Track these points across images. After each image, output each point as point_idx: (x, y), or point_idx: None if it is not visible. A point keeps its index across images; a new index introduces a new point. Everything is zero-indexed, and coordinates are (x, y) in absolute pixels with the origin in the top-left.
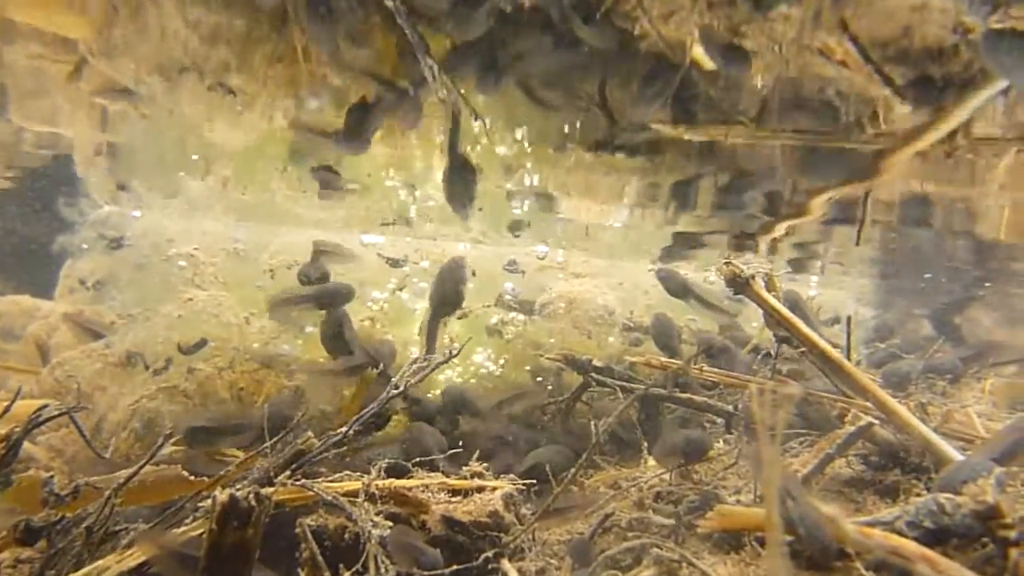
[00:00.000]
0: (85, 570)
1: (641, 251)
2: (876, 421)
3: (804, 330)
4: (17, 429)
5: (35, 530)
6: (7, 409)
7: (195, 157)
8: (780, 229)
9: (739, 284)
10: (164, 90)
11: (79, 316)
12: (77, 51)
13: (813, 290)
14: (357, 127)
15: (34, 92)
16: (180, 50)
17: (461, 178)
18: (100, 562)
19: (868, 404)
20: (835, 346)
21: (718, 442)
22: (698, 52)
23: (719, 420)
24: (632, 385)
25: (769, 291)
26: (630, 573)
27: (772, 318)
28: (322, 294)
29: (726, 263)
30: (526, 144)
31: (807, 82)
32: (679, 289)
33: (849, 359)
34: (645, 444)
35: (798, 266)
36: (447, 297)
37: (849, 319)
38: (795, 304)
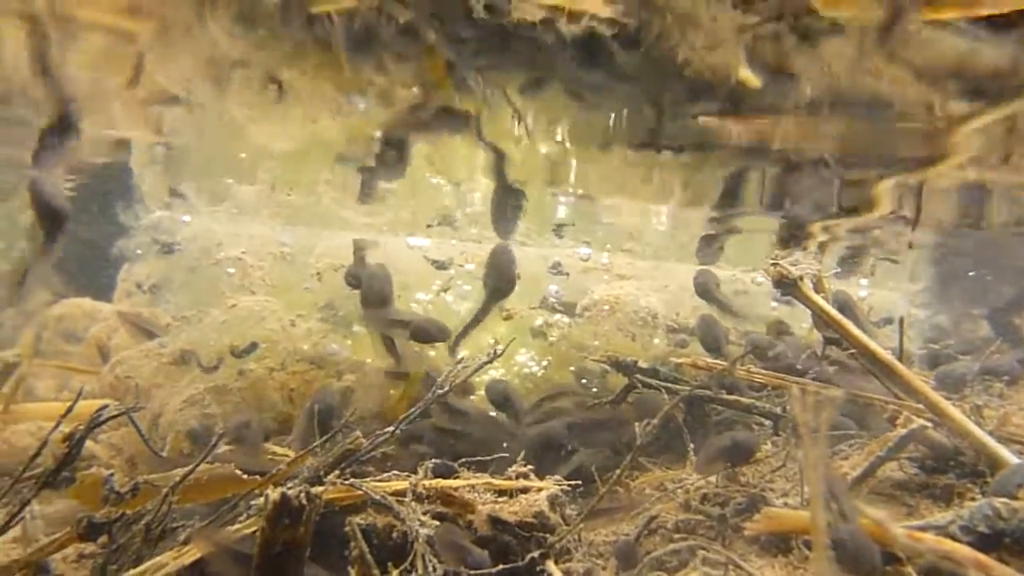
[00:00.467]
0: (144, 566)
1: (687, 253)
2: (929, 424)
3: (854, 331)
4: (80, 428)
5: (97, 526)
6: (70, 409)
7: (243, 155)
8: (836, 226)
9: (787, 285)
10: (214, 91)
11: (134, 315)
12: (135, 57)
13: (864, 291)
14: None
15: (93, 101)
16: (230, 50)
17: (508, 205)
18: (158, 558)
19: (920, 406)
20: (886, 348)
21: (766, 444)
22: (745, 73)
23: (767, 422)
24: (677, 387)
25: (818, 292)
26: (676, 575)
27: (821, 319)
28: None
29: (773, 264)
30: (568, 144)
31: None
32: (702, 291)
33: (901, 361)
34: (691, 446)
35: (848, 266)
36: (501, 283)
37: (902, 320)
38: (845, 305)
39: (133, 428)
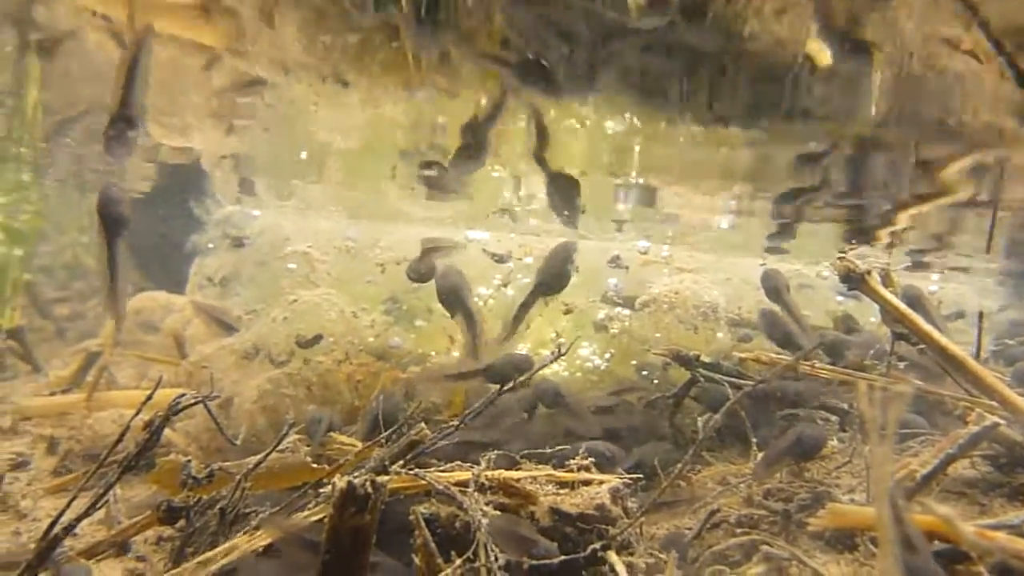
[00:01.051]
0: (218, 549)
1: (750, 246)
2: (1002, 421)
3: (924, 326)
4: (159, 416)
5: (175, 510)
6: (149, 397)
7: (303, 155)
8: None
9: (854, 279)
10: (282, 87)
11: (207, 306)
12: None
13: (934, 285)
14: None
15: (167, 102)
16: (297, 47)
17: (562, 191)
18: (231, 541)
19: (993, 403)
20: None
21: (832, 440)
22: (813, 47)
23: (833, 417)
24: (741, 381)
25: (886, 286)
26: (739, 570)
27: (889, 314)
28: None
29: (840, 258)
30: (635, 120)
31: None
32: (772, 293)
33: (979, 357)
34: (754, 440)
35: (918, 259)
36: (550, 277)
37: (981, 315)
38: (914, 300)
39: (208, 416)
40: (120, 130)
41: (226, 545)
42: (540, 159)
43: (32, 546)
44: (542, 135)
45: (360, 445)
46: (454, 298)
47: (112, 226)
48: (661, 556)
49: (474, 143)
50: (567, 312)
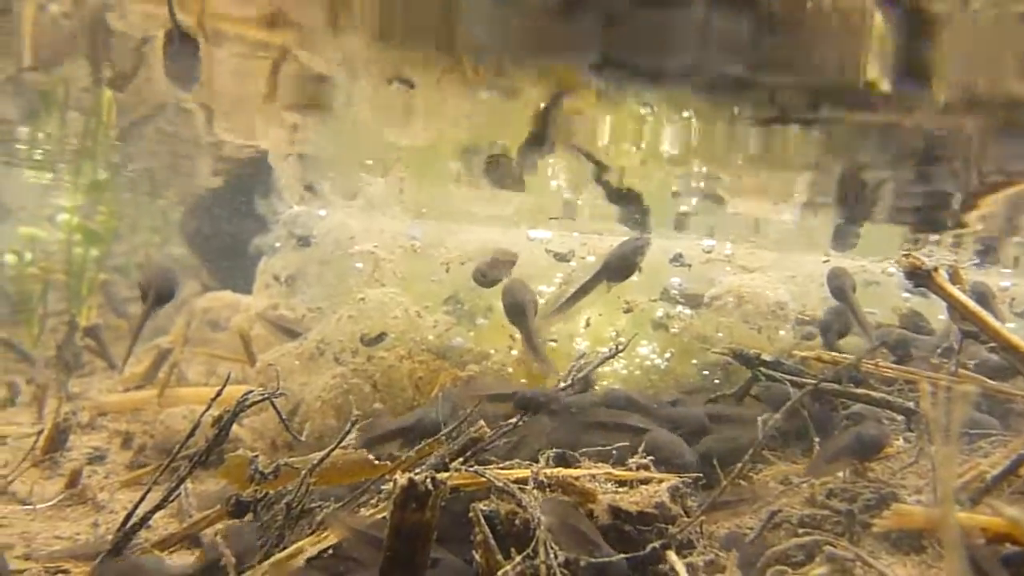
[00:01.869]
0: (288, 551)
1: (814, 243)
2: None
3: (993, 324)
4: (227, 412)
5: (244, 505)
6: (218, 394)
7: (370, 162)
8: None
9: (920, 276)
10: (347, 89)
11: (275, 316)
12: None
13: (1006, 280)
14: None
15: (234, 105)
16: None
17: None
18: (299, 543)
19: None
20: None
21: (897, 439)
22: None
23: (899, 417)
24: (803, 380)
25: (954, 283)
26: (801, 570)
27: (957, 312)
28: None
29: (905, 255)
30: (693, 120)
31: None
32: (837, 292)
33: None
34: (817, 440)
35: (987, 256)
36: (615, 265)
37: None
38: (984, 297)
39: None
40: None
41: (295, 546)
42: (601, 182)
43: (109, 537)
44: (600, 163)
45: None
46: (517, 315)
47: (156, 300)
48: (721, 555)
49: (540, 132)
50: (627, 311)
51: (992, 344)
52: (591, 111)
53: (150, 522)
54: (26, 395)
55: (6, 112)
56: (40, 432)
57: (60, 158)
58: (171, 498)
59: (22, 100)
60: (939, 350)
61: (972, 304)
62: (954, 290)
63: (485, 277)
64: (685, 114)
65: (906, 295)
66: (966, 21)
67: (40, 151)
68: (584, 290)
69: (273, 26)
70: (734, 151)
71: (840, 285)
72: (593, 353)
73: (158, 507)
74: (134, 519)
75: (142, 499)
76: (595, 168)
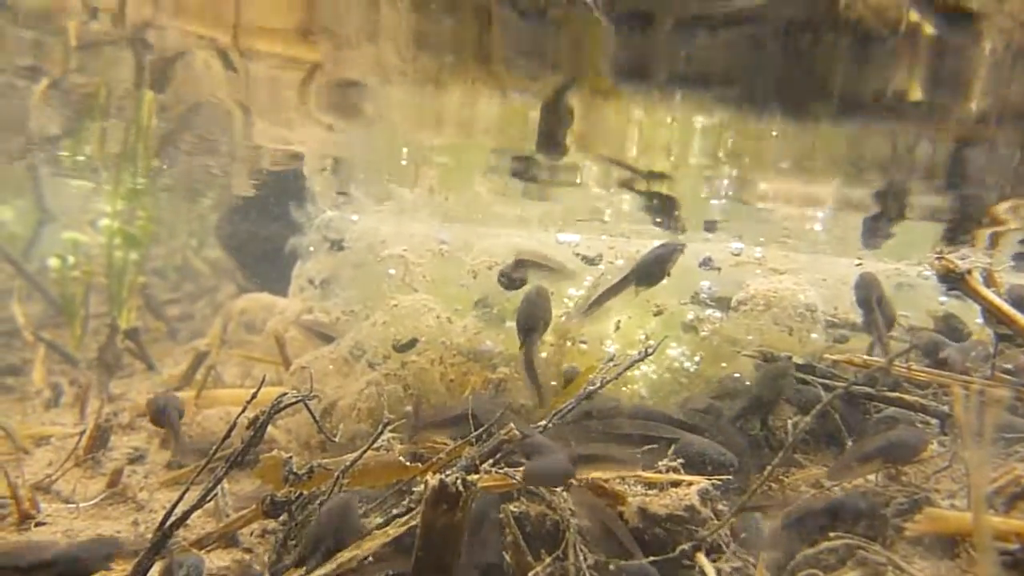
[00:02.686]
0: (334, 564)
1: (846, 246)
2: None
3: None
4: (263, 413)
5: (279, 504)
6: (254, 395)
7: (404, 163)
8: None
9: (954, 279)
10: (380, 96)
11: (311, 322)
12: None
13: None
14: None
15: (271, 113)
16: (395, 55)
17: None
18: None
19: None
20: None
21: (932, 444)
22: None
23: (933, 421)
24: (834, 383)
25: (989, 287)
26: (833, 574)
27: (993, 315)
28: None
29: (939, 257)
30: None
31: None
32: (861, 300)
33: None
34: (849, 442)
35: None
36: (645, 269)
37: None
38: (1020, 300)
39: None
40: None
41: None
42: (632, 188)
43: (149, 536)
44: (631, 168)
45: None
46: (524, 331)
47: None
48: (749, 559)
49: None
50: (657, 314)
51: None
52: (618, 116)
53: (188, 521)
54: (69, 396)
55: (50, 127)
56: (82, 432)
57: (101, 165)
58: (208, 498)
59: (67, 110)
60: (973, 354)
61: (1007, 307)
62: (988, 293)
63: (509, 279)
64: (715, 119)
65: (943, 299)
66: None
67: (82, 158)
68: (612, 291)
69: (305, 41)
70: (764, 151)
71: (866, 295)
72: (623, 355)
73: (196, 506)
74: (173, 518)
75: (180, 498)
76: (629, 175)
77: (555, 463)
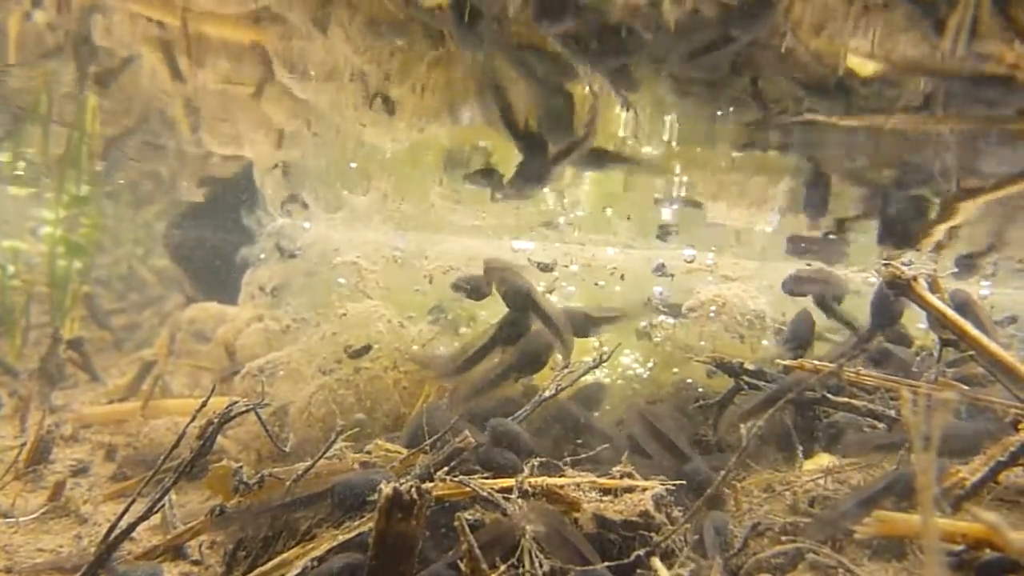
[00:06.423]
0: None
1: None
2: None
3: (972, 332)
4: (212, 423)
5: (228, 515)
6: (203, 405)
7: (352, 166)
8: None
9: (900, 285)
10: (330, 104)
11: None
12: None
13: (985, 289)
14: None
15: (220, 116)
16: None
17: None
18: (285, 555)
19: None
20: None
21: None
22: (854, 60)
23: (880, 425)
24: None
25: (933, 292)
26: None
27: (937, 320)
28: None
29: (885, 264)
30: (674, 143)
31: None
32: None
33: None
34: (800, 448)
35: (966, 265)
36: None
37: None
38: (963, 305)
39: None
40: None
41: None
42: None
43: (92, 550)
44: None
45: (405, 452)
46: (522, 299)
47: None
48: (702, 562)
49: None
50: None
51: (971, 352)
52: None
53: (134, 534)
54: (9, 407)
55: None
56: (23, 444)
57: (43, 171)
58: (155, 509)
59: (5, 116)
60: (919, 359)
61: (951, 312)
62: (933, 298)
63: (465, 288)
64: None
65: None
66: None
67: (23, 164)
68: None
69: (257, 27)
70: (715, 159)
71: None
72: (577, 363)
73: (141, 519)
74: (117, 531)
75: (125, 511)
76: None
77: None
